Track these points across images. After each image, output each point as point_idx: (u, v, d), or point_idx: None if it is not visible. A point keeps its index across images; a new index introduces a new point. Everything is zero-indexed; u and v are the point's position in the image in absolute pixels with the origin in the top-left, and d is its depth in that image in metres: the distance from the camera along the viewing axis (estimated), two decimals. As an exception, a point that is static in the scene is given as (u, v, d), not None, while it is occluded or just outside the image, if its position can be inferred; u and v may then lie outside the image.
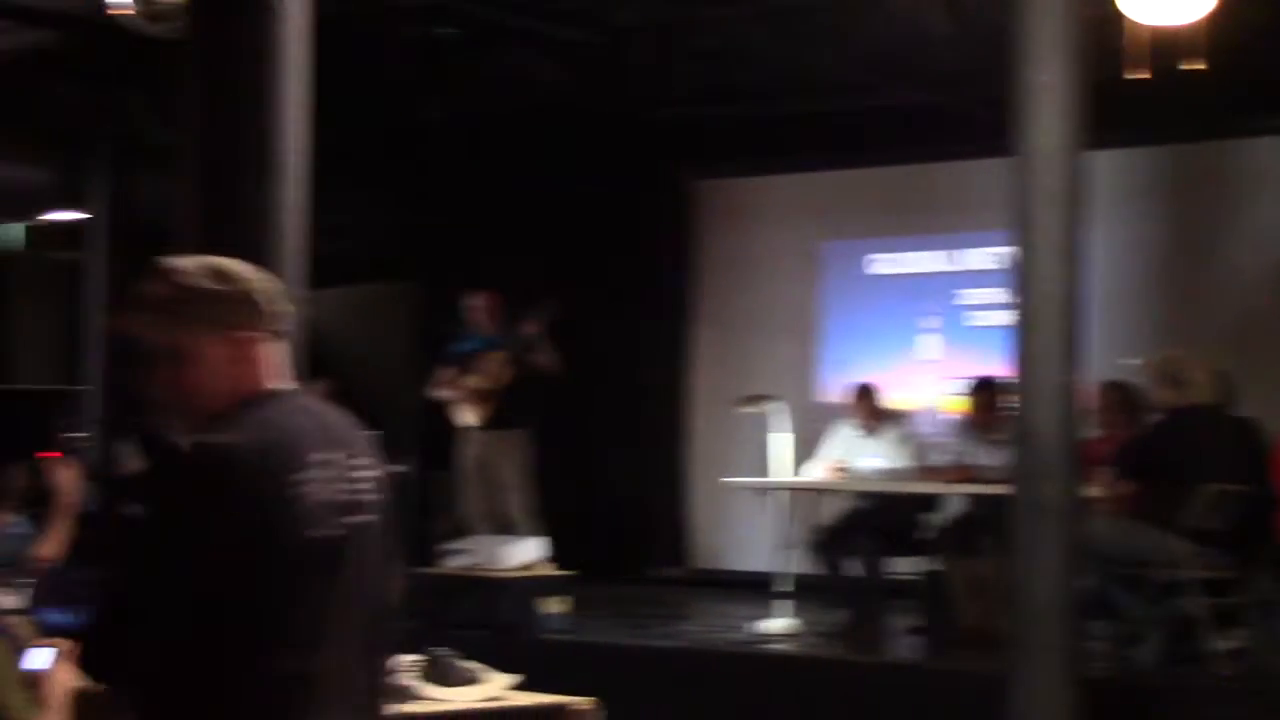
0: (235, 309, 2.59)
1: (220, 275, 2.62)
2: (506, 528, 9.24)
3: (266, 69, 4.07)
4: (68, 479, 5.94)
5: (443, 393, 9.52)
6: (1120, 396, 7.75)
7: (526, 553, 8.09)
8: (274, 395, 2.61)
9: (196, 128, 4.15)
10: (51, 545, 5.79)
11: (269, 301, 2.63)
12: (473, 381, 9.33)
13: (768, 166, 11.61)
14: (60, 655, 3.78)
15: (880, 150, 10.96)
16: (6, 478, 6.29)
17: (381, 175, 11.55)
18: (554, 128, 11.00)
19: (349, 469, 2.65)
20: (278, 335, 2.63)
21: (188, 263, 2.65)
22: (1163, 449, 7.07)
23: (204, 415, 2.56)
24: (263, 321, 2.61)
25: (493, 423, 9.28)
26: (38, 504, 6.31)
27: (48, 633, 4.89)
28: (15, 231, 12.08)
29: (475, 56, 9.23)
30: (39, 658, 3.77)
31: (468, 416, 9.37)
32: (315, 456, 2.58)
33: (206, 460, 2.49)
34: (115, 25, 7.95)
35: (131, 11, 6.93)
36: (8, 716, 3.35)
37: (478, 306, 9.50)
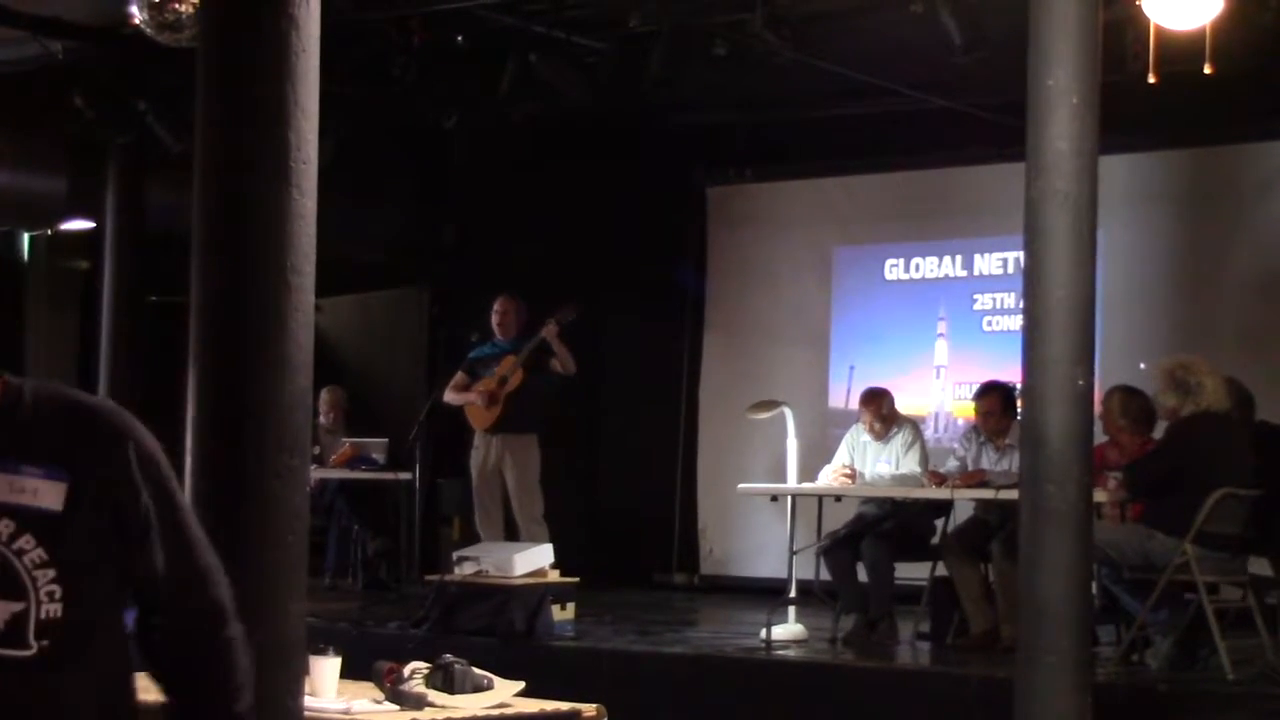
0: None
1: None
2: (515, 534, 9.28)
3: (277, 78, 4.11)
4: None
5: (454, 397, 9.56)
6: (1130, 401, 7.76)
7: (535, 559, 8.12)
8: None
9: (208, 136, 4.19)
10: None
11: None
12: (483, 385, 9.37)
13: (781, 172, 11.66)
14: None
15: (894, 155, 11.01)
16: None
17: (396, 182, 11.61)
18: (568, 134, 11.05)
19: None
20: None
21: None
22: (1172, 462, 7.10)
23: None
24: None
25: (502, 426, 9.32)
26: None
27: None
28: (29, 240, 12.16)
29: (490, 63, 9.29)
30: None
31: (478, 421, 9.41)
32: None
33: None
34: (128, 35, 8.03)
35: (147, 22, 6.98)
36: None
37: (500, 310, 9.54)
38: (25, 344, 12.16)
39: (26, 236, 12.16)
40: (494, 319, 9.55)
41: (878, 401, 8.61)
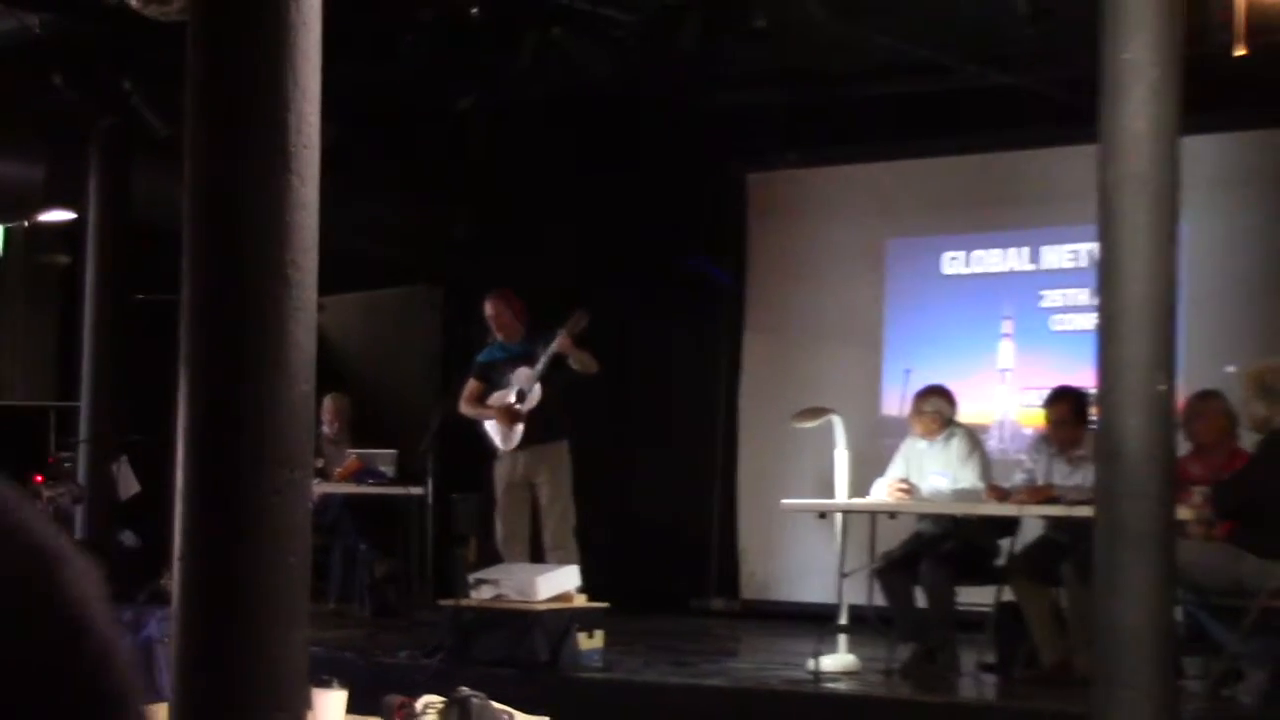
0: None
1: None
2: (540, 554, 9.28)
3: (276, 55, 4.12)
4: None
5: (470, 410, 9.55)
6: (1215, 409, 7.73)
7: (559, 582, 8.12)
8: None
9: (199, 119, 4.20)
10: None
11: None
12: (499, 402, 9.36)
13: (828, 156, 11.64)
14: None
15: (952, 137, 10.98)
16: None
17: (405, 168, 11.64)
18: (592, 116, 11.06)
19: None
20: None
21: None
22: (1264, 477, 7.06)
23: None
24: None
25: (527, 438, 9.32)
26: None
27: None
28: (3, 233, 12.21)
29: (508, 38, 9.30)
30: None
31: (502, 441, 9.40)
32: None
33: None
34: (112, 8, 8.07)
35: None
36: None
37: (492, 314, 9.51)
38: None
39: (1, 229, 12.21)
40: (490, 323, 9.53)
41: (935, 406, 8.58)
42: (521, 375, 9.33)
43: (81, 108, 9.83)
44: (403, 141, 11.43)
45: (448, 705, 4.81)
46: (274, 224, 4.08)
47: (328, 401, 10.75)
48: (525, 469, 9.35)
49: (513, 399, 9.32)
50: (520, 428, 9.30)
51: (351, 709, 4.89)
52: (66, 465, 10.11)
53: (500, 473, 9.45)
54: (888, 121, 10.96)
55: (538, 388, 9.25)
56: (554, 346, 9.18)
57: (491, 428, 9.44)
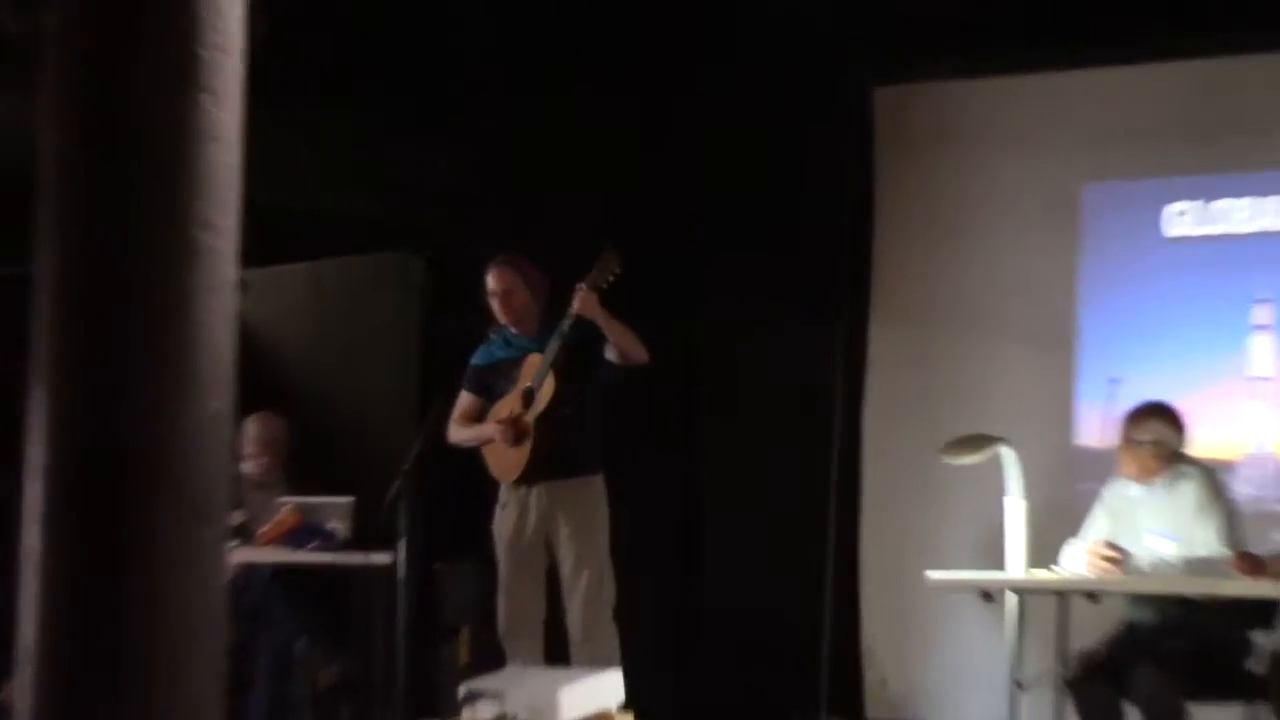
0: None
1: None
2: (564, 649, 9.28)
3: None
4: None
5: (464, 434, 9.57)
6: None
7: (593, 695, 8.13)
8: None
9: (66, 11, 4.21)
10: None
11: None
12: (506, 409, 9.38)
13: (991, 62, 11.60)
14: None
15: (1177, 34, 10.93)
16: None
17: (368, 85, 11.66)
18: (647, 13, 11.06)
19: None
20: None
21: None
22: None
23: None
24: None
25: (541, 470, 9.31)
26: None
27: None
28: None
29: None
30: None
31: (503, 469, 9.42)
32: None
33: None
34: None
35: None
36: None
37: (498, 290, 9.51)
38: None
39: None
40: (493, 304, 9.51)
41: (1141, 421, 8.56)
42: (529, 366, 9.33)
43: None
44: (365, 46, 11.46)
45: None
46: (175, 164, 4.09)
47: (252, 425, 10.78)
48: (538, 518, 9.37)
49: (518, 406, 9.32)
50: (528, 447, 9.29)
51: None
52: None
53: (503, 526, 9.47)
54: (1078, 12, 10.92)
55: (550, 379, 9.24)
56: (573, 307, 9.16)
57: (489, 454, 9.44)
